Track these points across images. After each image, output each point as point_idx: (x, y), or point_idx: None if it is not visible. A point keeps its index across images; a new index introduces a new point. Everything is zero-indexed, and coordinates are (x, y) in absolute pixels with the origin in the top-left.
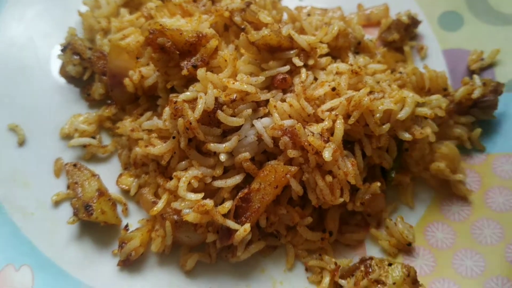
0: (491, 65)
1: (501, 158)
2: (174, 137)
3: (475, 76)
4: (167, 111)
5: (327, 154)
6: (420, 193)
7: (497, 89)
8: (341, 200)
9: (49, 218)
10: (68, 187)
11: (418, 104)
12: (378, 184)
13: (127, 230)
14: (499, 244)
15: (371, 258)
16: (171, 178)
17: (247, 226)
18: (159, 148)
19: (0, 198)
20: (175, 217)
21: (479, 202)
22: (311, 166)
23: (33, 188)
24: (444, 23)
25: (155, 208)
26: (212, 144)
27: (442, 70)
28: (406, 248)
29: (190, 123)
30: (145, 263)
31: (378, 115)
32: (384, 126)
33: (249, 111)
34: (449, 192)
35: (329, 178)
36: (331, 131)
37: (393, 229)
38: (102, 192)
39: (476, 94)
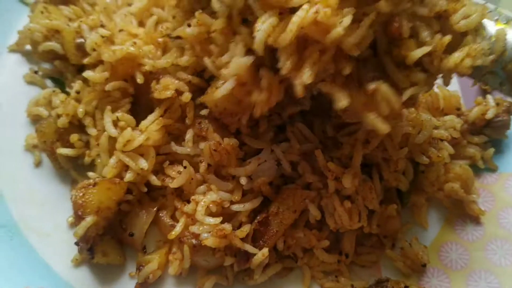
0: None
1: None
2: (185, 167)
3: (489, 96)
4: (190, 132)
5: (347, 183)
6: (434, 213)
7: (510, 109)
8: (359, 225)
9: (65, 239)
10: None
11: (434, 126)
12: (395, 206)
13: (145, 252)
14: None
15: (387, 280)
16: (188, 201)
17: (265, 250)
18: (177, 181)
19: (16, 219)
20: (194, 241)
21: (492, 222)
22: (329, 191)
23: (49, 209)
24: None
25: (173, 232)
26: (233, 168)
27: (453, 87)
28: (420, 269)
29: (220, 144)
30: (162, 285)
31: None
32: (402, 150)
33: (271, 134)
34: (463, 212)
35: (347, 204)
36: (349, 155)
37: (407, 250)
38: None
39: (490, 114)
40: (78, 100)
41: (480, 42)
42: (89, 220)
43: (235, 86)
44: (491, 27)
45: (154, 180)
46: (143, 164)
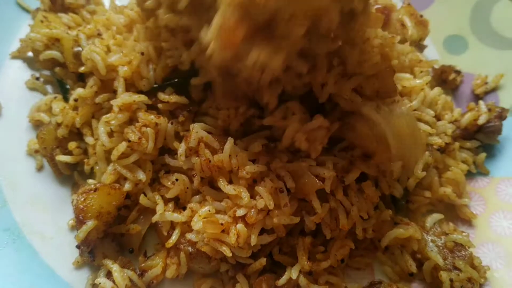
0: (495, 89)
1: (505, 182)
2: (177, 179)
3: (481, 102)
4: (182, 146)
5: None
6: (426, 216)
7: (502, 114)
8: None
9: (67, 242)
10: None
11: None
12: (390, 212)
13: (145, 256)
14: (504, 268)
15: (380, 282)
16: (184, 208)
17: (263, 260)
18: (171, 192)
19: (19, 223)
20: (190, 248)
21: (483, 225)
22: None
23: (51, 212)
24: (449, 46)
25: (170, 241)
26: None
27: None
28: (408, 277)
29: (210, 161)
30: (159, 285)
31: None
32: (397, 163)
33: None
34: (455, 216)
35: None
36: (345, 169)
37: (398, 256)
38: None
39: (482, 120)
40: (77, 108)
41: None
42: (90, 224)
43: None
44: None
45: (145, 199)
46: (141, 176)
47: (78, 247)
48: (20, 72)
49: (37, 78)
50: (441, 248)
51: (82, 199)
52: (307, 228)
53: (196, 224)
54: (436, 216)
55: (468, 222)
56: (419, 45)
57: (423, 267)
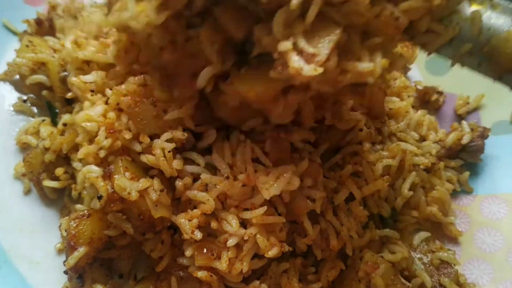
0: (476, 109)
1: (488, 200)
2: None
3: (464, 122)
4: None
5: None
6: (414, 234)
7: (484, 134)
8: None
9: (55, 267)
10: None
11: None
12: (377, 232)
13: (136, 281)
14: (490, 285)
15: None
16: (175, 231)
17: (256, 283)
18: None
19: (6, 248)
20: (181, 273)
21: (468, 242)
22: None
23: (39, 236)
24: (432, 68)
25: (160, 264)
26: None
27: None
28: None
29: None
30: None
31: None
32: (384, 182)
33: None
34: (441, 234)
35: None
36: (334, 190)
37: None
38: None
39: (465, 139)
40: (65, 132)
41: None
42: (81, 250)
43: None
44: (466, 8)
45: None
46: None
47: (66, 272)
48: (7, 95)
49: (25, 101)
50: (427, 265)
51: (75, 224)
52: (298, 250)
53: (188, 249)
54: (423, 234)
55: (454, 239)
56: (403, 67)
57: (410, 283)
